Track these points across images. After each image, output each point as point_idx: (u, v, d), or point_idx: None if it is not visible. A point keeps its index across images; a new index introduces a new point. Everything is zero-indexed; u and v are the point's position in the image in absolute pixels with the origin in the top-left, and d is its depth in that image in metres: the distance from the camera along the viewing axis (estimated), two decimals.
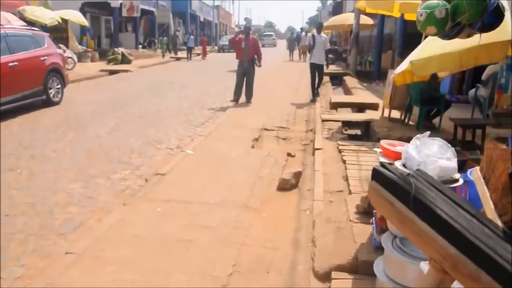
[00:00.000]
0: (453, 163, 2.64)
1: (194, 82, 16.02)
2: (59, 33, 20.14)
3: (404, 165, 2.78)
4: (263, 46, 44.83)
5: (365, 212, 3.89)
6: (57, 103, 10.66)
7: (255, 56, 11.22)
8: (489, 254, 1.43)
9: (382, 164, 2.55)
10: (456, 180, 2.76)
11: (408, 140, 5.50)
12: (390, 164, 3.01)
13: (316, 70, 12.03)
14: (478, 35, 3.91)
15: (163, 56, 28.80)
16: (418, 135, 2.79)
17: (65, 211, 4.59)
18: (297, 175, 5.47)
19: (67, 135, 7.69)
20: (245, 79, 11.20)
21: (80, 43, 22.99)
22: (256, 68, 11.44)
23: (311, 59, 12.08)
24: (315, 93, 12.15)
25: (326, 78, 16.61)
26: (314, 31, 13.23)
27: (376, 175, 2.10)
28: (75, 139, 7.47)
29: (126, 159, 6.42)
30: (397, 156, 3.01)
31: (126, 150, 6.84)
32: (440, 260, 1.55)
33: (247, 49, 10.98)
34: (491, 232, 1.59)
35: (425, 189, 1.89)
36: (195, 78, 17.35)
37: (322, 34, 12.10)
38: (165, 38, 30.57)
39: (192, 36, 30.57)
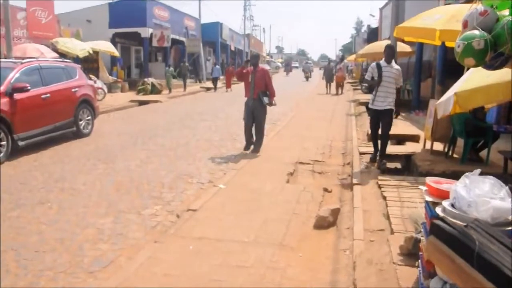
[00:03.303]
0: (508, 203, 2.41)
1: (223, 113, 15.93)
2: (90, 63, 20.70)
3: (452, 205, 2.57)
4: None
5: (410, 253, 3.73)
6: (87, 134, 10.73)
7: (267, 92, 8.88)
8: None
9: (441, 218, 2.43)
10: None
11: (453, 174, 5.24)
12: (436, 203, 2.78)
13: (379, 118, 7.52)
14: None
15: (170, 91, 23.37)
16: (467, 173, 2.59)
17: (95, 247, 4.48)
18: (335, 212, 5.23)
19: (97, 168, 7.64)
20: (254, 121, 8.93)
21: (111, 73, 23.45)
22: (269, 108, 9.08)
23: (373, 102, 7.55)
24: (377, 155, 7.66)
25: (362, 108, 16.07)
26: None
27: (435, 230, 1.94)
28: (105, 172, 7.41)
29: (157, 193, 6.28)
30: (444, 194, 2.78)
31: (156, 184, 6.72)
32: None
33: (254, 83, 8.77)
34: None
35: (486, 242, 1.82)
36: (225, 109, 17.25)
37: (394, 64, 7.58)
38: (170, 69, 24.33)
39: (217, 66, 29.18)
